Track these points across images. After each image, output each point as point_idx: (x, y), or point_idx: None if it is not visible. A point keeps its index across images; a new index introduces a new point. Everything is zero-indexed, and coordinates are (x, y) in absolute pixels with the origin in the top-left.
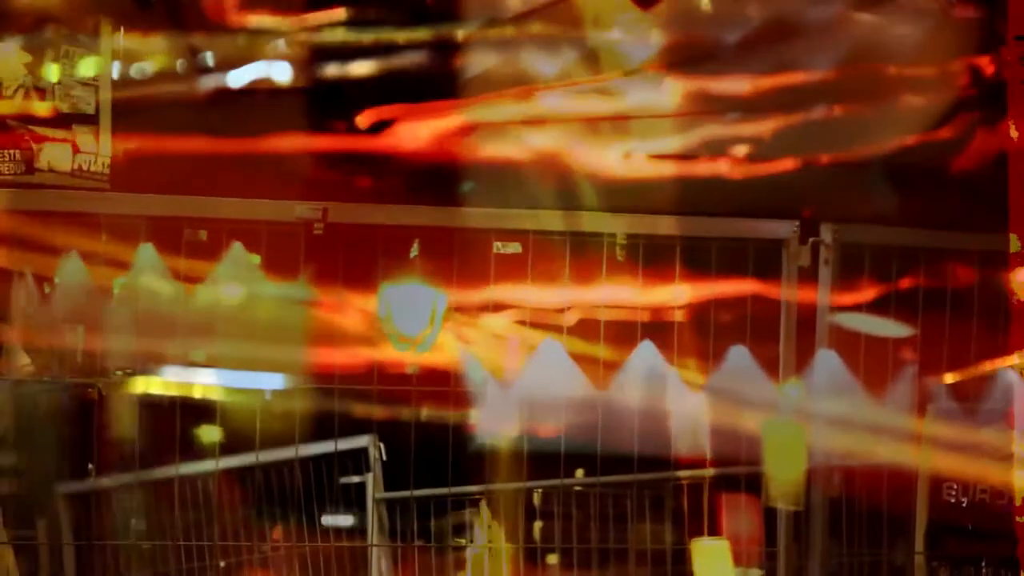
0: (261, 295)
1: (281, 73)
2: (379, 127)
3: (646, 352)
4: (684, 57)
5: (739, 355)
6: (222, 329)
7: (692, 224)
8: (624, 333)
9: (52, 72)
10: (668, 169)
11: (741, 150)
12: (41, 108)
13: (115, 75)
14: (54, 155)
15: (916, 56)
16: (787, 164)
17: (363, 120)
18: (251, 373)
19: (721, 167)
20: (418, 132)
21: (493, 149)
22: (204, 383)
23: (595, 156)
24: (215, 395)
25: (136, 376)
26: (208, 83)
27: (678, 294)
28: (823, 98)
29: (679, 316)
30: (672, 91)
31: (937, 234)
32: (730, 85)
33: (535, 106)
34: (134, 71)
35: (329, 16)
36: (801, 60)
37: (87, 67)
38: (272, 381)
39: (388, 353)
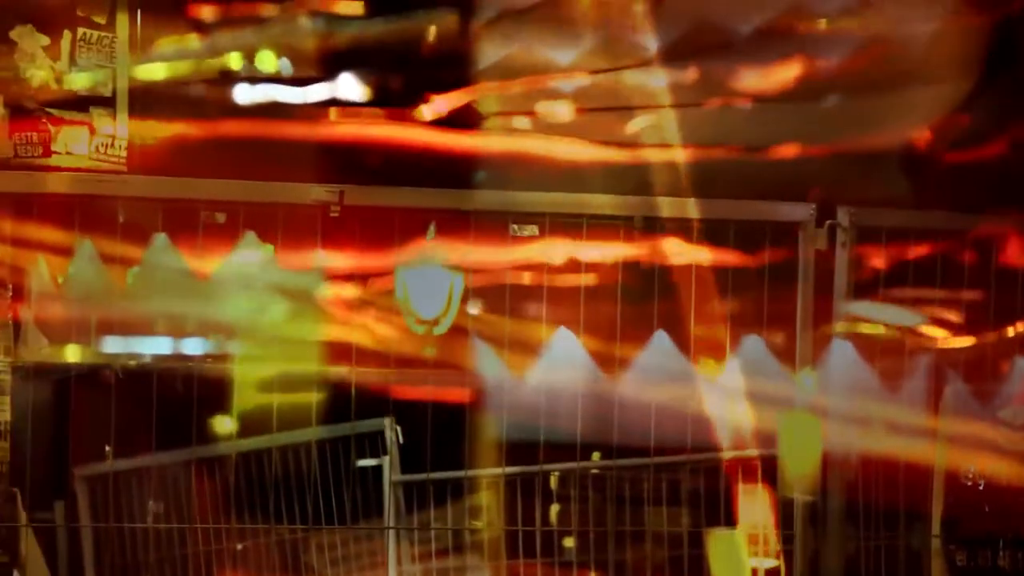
0: (277, 279)
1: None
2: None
3: (660, 340)
4: (697, 46)
5: (753, 344)
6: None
7: (708, 207)
8: (638, 319)
9: (69, 55)
10: (681, 156)
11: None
12: (58, 91)
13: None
14: (71, 138)
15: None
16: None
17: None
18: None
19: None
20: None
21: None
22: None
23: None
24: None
25: (149, 360)
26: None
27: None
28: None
29: (692, 302)
30: (684, 80)
31: (955, 217)
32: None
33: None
34: (152, 54)
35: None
36: (815, 48)
37: (105, 50)
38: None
39: (405, 335)
